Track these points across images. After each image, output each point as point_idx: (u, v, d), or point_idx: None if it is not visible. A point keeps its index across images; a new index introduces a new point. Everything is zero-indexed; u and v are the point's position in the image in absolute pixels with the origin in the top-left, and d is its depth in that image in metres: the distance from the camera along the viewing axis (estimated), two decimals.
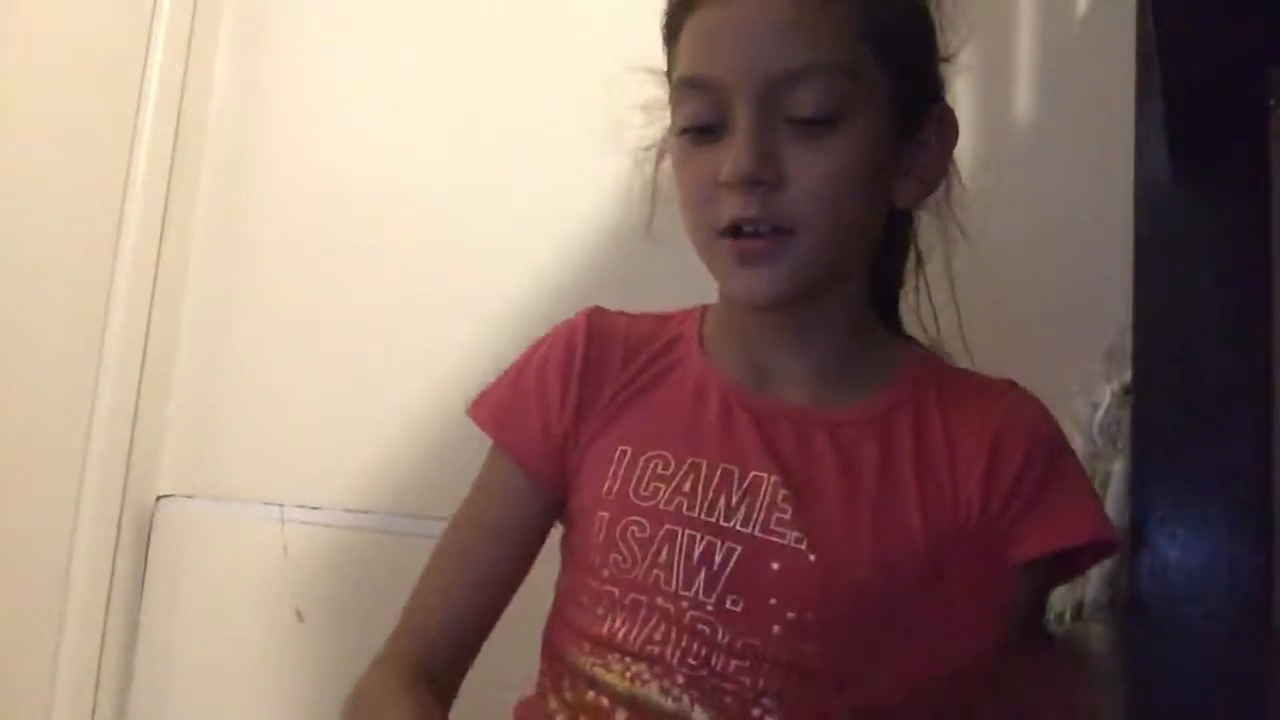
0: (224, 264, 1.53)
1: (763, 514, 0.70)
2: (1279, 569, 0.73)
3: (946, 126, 0.76)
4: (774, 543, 0.69)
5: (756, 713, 0.67)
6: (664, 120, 0.78)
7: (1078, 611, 0.82)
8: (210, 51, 1.56)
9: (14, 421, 1.35)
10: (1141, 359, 0.80)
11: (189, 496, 1.47)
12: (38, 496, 1.38)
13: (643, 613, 0.70)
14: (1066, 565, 0.73)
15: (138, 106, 1.48)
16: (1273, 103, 0.73)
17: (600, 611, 0.72)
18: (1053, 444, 0.73)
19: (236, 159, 1.54)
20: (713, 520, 0.70)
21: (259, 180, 1.53)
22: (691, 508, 0.70)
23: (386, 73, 1.47)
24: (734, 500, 0.70)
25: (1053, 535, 0.70)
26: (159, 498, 1.48)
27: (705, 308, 0.81)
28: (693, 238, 0.74)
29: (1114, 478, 0.82)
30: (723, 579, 0.68)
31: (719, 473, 0.71)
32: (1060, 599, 0.83)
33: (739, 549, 0.69)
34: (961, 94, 1.18)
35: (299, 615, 1.36)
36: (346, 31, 1.51)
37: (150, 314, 1.48)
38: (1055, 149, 1.12)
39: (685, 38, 0.72)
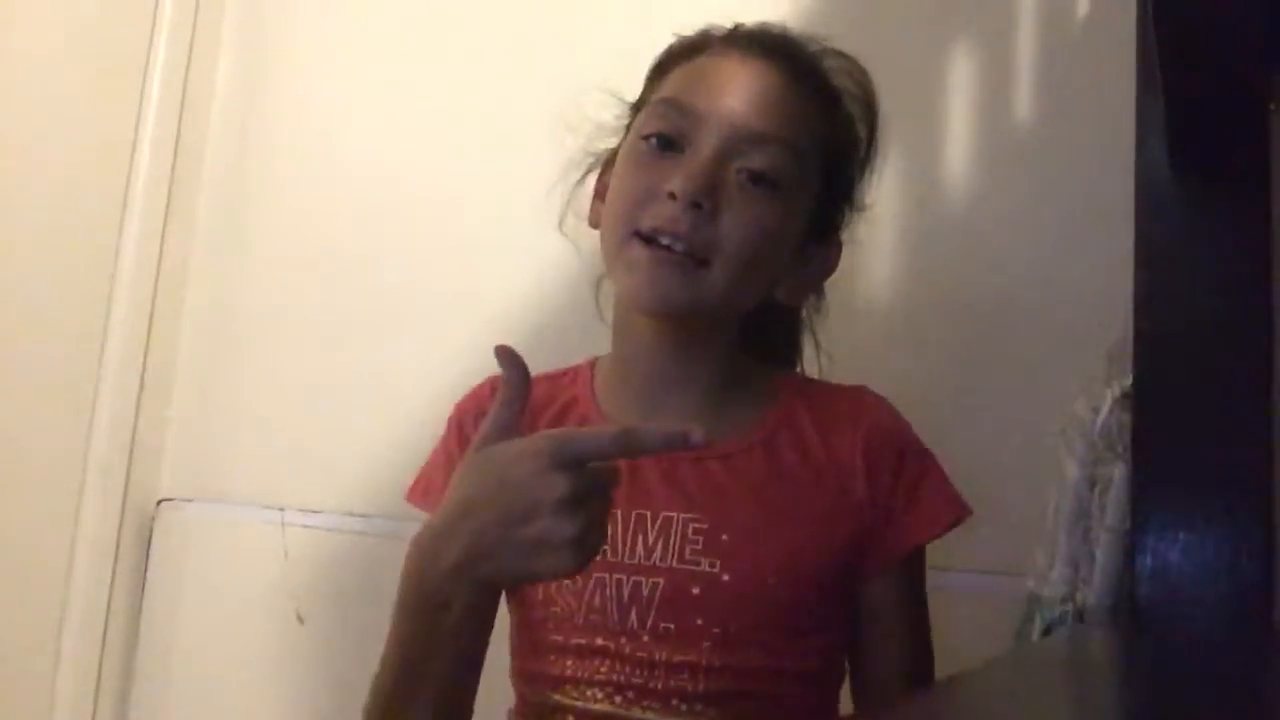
0: (225, 268, 1.53)
1: (677, 546, 0.79)
2: None
3: (834, 254, 0.88)
4: (691, 570, 0.78)
5: (700, 708, 0.77)
6: (606, 142, 0.89)
7: (1079, 615, 0.82)
8: (212, 55, 1.56)
9: (15, 425, 1.35)
10: (1142, 362, 0.79)
11: (190, 500, 1.48)
12: (39, 500, 1.38)
13: (588, 653, 0.79)
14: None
15: (139, 109, 1.48)
16: (1273, 104, 0.72)
17: (552, 658, 0.80)
18: (912, 441, 0.85)
19: (238, 163, 1.54)
20: (634, 562, 0.79)
21: (260, 184, 1.53)
22: (615, 554, 0.79)
23: (387, 76, 1.47)
24: (650, 540, 0.80)
25: (930, 522, 0.82)
26: (160, 501, 1.48)
27: (594, 361, 0.89)
28: (607, 232, 0.81)
29: (1115, 481, 0.82)
30: (652, 610, 0.78)
31: (633, 518, 0.80)
32: (1061, 603, 0.83)
33: (661, 581, 0.78)
34: (962, 94, 1.18)
35: (299, 618, 1.36)
36: (347, 35, 1.51)
37: (151, 318, 1.48)
38: (1055, 149, 1.12)
39: (679, 71, 0.83)
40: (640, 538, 0.80)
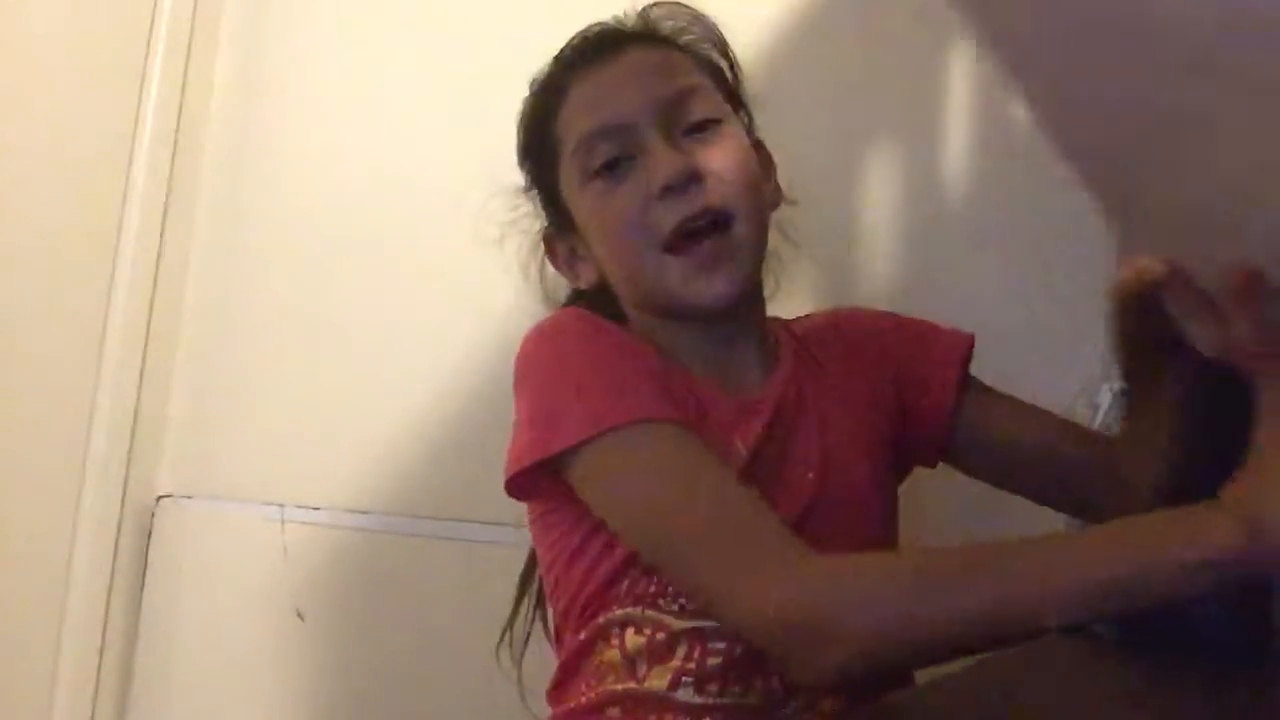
0: (224, 264, 1.53)
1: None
2: None
3: (767, 155, 0.90)
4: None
5: None
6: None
7: None
8: (211, 52, 1.56)
9: (14, 422, 1.35)
10: None
11: (189, 497, 1.48)
12: (38, 497, 1.38)
13: None
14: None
15: (138, 107, 1.48)
16: None
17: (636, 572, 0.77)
18: (892, 315, 0.91)
19: (237, 160, 1.54)
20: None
21: (259, 181, 1.53)
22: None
23: (387, 73, 1.47)
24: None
25: (951, 355, 0.87)
26: (159, 498, 1.48)
27: None
28: (631, 263, 0.82)
29: None
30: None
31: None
32: None
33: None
34: (962, 94, 1.18)
35: (299, 615, 1.36)
36: (347, 32, 1.51)
37: (150, 314, 1.48)
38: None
39: (572, 104, 0.85)
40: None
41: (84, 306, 1.43)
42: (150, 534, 1.47)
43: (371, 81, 1.48)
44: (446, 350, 1.33)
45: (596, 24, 0.90)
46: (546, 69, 0.90)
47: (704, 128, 0.82)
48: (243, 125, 1.55)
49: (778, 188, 0.90)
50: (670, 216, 0.78)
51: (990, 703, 0.59)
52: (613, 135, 0.81)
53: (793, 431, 0.82)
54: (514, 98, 1.44)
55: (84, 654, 1.41)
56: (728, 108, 0.86)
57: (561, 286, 0.93)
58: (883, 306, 1.18)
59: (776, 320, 0.91)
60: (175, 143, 1.51)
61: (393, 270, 1.41)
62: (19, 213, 1.35)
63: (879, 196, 1.19)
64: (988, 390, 0.88)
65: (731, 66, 0.92)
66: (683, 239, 0.79)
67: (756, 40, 1.19)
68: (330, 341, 1.43)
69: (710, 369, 0.83)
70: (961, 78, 1.18)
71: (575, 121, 0.84)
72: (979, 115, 1.17)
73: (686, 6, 0.92)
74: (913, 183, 1.18)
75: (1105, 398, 0.83)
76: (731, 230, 0.79)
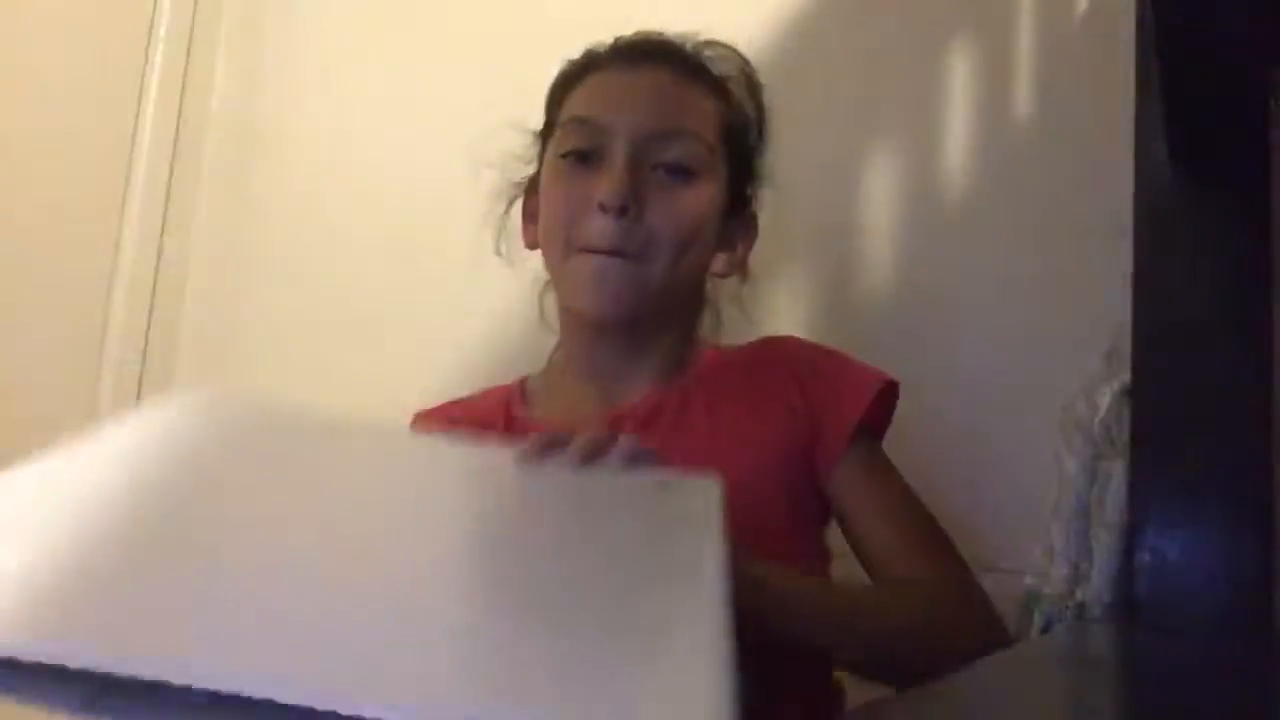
0: (224, 262, 1.53)
1: None
2: None
3: (752, 227, 0.94)
4: None
5: None
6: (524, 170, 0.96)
7: (1078, 612, 0.82)
8: (210, 51, 1.56)
9: (15, 421, 1.35)
10: (1141, 359, 0.80)
11: None
12: None
13: None
14: (876, 424, 0.87)
15: (138, 106, 1.48)
16: (1274, 103, 0.72)
17: None
18: (824, 349, 0.90)
19: (236, 159, 1.54)
20: None
21: (259, 180, 1.53)
22: None
23: (386, 71, 1.47)
24: None
25: (857, 394, 0.85)
26: None
27: (523, 381, 0.94)
28: (547, 250, 0.88)
29: (1114, 478, 0.82)
30: None
31: None
32: (1060, 600, 0.83)
33: None
34: (961, 94, 1.18)
35: None
36: (346, 30, 1.51)
37: (150, 316, 1.48)
38: (1055, 149, 1.12)
39: (581, 89, 0.89)
40: None
41: (84, 307, 1.43)
42: None
43: (371, 79, 1.48)
44: (448, 348, 1.33)
45: (647, 32, 0.93)
46: (583, 51, 0.93)
47: (674, 172, 0.84)
48: (242, 124, 1.55)
49: (743, 262, 0.93)
50: (594, 228, 0.83)
51: (990, 704, 0.59)
52: (589, 130, 0.86)
53: (671, 437, 0.84)
54: (514, 98, 1.44)
55: None
56: (714, 166, 0.87)
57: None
58: (882, 307, 1.18)
59: (709, 345, 0.94)
60: (175, 141, 1.51)
61: (393, 268, 1.41)
62: (19, 213, 1.35)
63: (879, 196, 1.19)
64: (873, 469, 0.86)
65: (760, 134, 0.94)
66: (593, 250, 0.83)
67: (758, 39, 1.19)
68: (331, 340, 1.43)
69: (595, 373, 0.88)
70: (962, 77, 1.18)
71: (574, 104, 0.89)
72: (979, 115, 1.17)
73: (742, 60, 0.95)
74: (913, 183, 1.18)
75: (1105, 398, 0.83)
76: (642, 266, 0.83)
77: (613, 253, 0.82)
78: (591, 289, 0.83)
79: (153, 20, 1.50)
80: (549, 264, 0.89)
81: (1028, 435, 1.04)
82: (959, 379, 1.13)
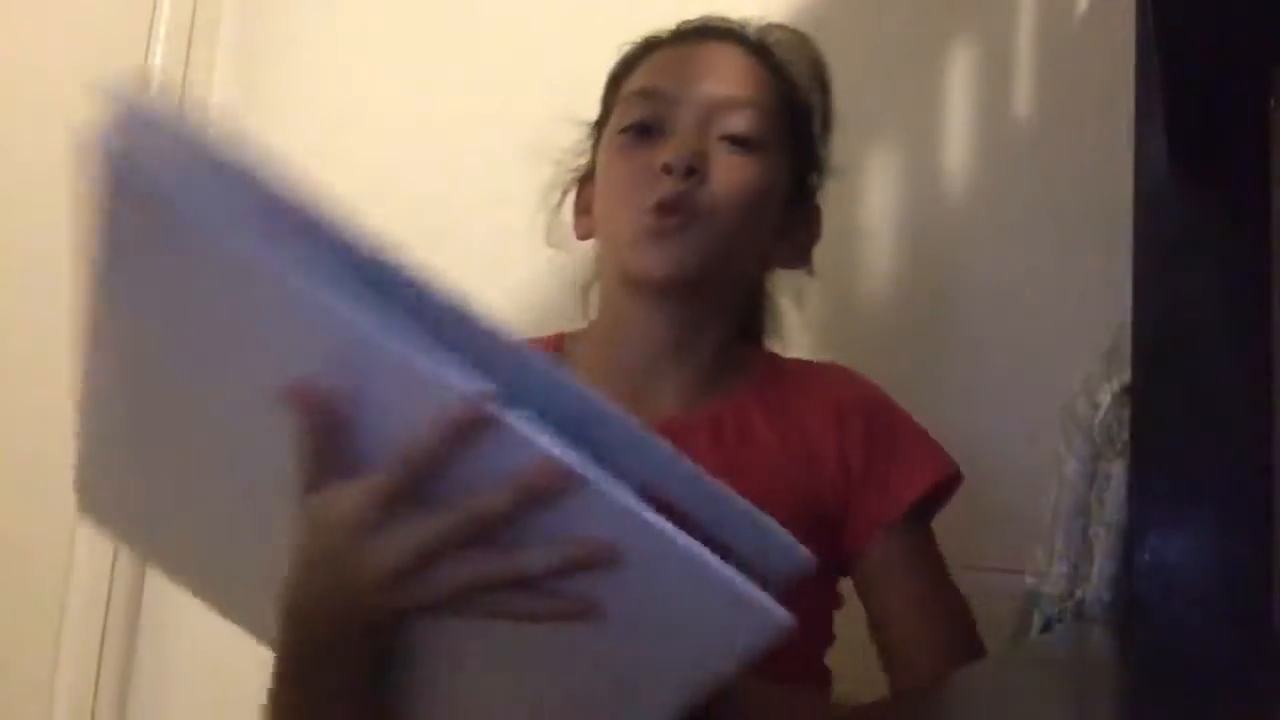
0: None
1: None
2: (1279, 569, 0.73)
3: (816, 219, 0.91)
4: None
5: None
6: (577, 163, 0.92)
7: (1078, 611, 0.82)
8: (210, 52, 1.56)
9: (15, 420, 1.35)
10: (1141, 359, 0.80)
11: None
12: (39, 495, 1.38)
13: None
14: (929, 506, 0.83)
15: None
16: (1273, 102, 0.72)
17: None
18: (883, 402, 0.85)
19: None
20: None
21: None
22: None
23: (386, 72, 1.47)
24: None
25: (911, 478, 0.81)
26: None
27: (562, 336, 0.90)
28: (613, 217, 0.84)
29: (1114, 478, 0.82)
30: None
31: None
32: (1060, 600, 0.83)
33: None
34: (961, 93, 1.18)
35: None
36: (346, 32, 1.51)
37: None
38: (1054, 145, 1.12)
39: (646, 64, 0.87)
40: None
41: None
42: None
43: (371, 81, 1.48)
44: None
45: (709, 16, 0.90)
46: (650, 33, 0.91)
47: (738, 142, 0.82)
48: (242, 124, 1.55)
49: (803, 252, 0.90)
50: (659, 191, 0.79)
51: (990, 704, 0.59)
52: (653, 99, 0.83)
53: (740, 453, 0.81)
54: (515, 97, 1.44)
55: (84, 653, 1.41)
56: (778, 143, 0.84)
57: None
58: (882, 309, 1.18)
59: (764, 352, 0.91)
60: None
61: None
62: (19, 213, 1.35)
63: (879, 196, 1.19)
64: (916, 553, 0.82)
65: (825, 123, 0.91)
66: (655, 212, 0.79)
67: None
68: None
69: (649, 350, 0.84)
70: (962, 77, 1.18)
71: (634, 81, 0.87)
72: (979, 115, 1.17)
73: (809, 46, 0.92)
74: (913, 183, 1.18)
75: (1105, 398, 0.83)
76: (703, 222, 0.79)
77: (677, 211, 0.79)
78: (654, 248, 0.80)
79: (153, 20, 1.50)
80: (607, 238, 0.85)
81: (1027, 434, 1.04)
82: (959, 379, 1.13)
